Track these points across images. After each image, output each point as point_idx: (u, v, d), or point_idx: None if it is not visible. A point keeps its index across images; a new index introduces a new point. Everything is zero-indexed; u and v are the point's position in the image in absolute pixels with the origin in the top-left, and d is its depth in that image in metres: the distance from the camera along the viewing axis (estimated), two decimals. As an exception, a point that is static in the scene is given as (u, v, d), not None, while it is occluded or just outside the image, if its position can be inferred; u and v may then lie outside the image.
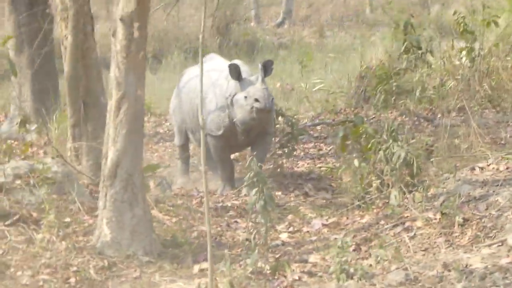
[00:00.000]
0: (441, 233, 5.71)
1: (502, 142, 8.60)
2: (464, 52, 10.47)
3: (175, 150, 9.03)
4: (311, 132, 10.11)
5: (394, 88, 9.08)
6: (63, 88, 8.37)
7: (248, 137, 7.85)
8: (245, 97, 7.56)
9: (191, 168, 8.74)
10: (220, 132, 7.84)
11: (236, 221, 7.07)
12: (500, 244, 5.23)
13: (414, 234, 5.73)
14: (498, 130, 9.01)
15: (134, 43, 5.79)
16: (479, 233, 5.54)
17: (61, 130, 8.64)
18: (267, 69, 7.69)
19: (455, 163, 6.94)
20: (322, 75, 13.56)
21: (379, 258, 5.15)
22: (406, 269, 4.89)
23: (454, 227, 5.72)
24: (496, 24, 10.71)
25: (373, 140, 6.94)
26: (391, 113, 9.60)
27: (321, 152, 9.58)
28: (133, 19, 5.76)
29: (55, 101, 9.79)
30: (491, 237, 5.44)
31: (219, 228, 6.83)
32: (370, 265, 5.18)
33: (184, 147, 8.63)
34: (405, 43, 7.77)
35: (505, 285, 4.52)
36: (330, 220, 6.84)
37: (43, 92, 9.90)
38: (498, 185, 6.23)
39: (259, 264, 5.48)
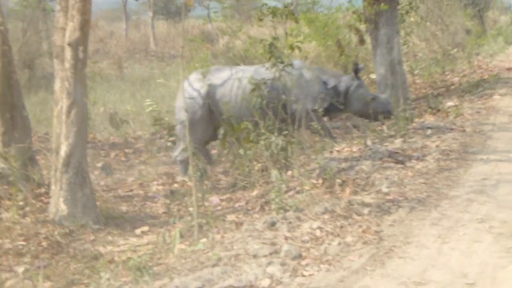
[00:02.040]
0: (326, 192, 8.08)
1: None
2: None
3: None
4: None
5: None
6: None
7: None
8: (373, 98, 10.56)
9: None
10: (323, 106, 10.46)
11: (145, 203, 9.06)
12: (377, 192, 7.74)
13: (305, 195, 7.98)
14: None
15: (80, 62, 7.76)
16: (356, 189, 7.99)
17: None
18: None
19: (320, 147, 9.45)
20: (139, 99, 15.76)
21: (300, 200, 7.44)
22: (323, 204, 7.22)
23: (335, 187, 8.13)
24: (299, 48, 13.37)
25: (253, 133, 9.25)
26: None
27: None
28: (78, 44, 7.72)
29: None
30: (367, 190, 7.93)
31: (136, 208, 8.79)
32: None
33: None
34: (271, 59, 10.19)
35: (396, 208, 7.05)
36: (225, 197, 9.00)
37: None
38: (358, 160, 8.82)
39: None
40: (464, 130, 10.52)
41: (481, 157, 9.01)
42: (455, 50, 21.19)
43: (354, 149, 9.43)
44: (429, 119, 11.56)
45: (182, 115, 10.23)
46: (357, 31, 15.98)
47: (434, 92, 13.16)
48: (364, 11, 14.41)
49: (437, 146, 9.47)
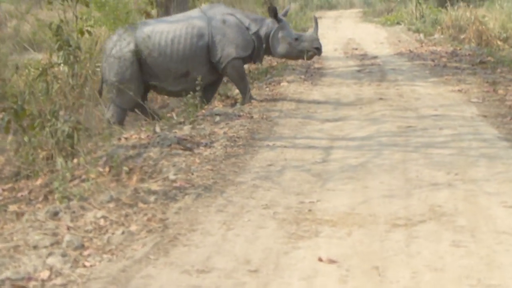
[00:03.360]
0: (112, 180, 7.98)
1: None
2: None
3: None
4: None
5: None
6: None
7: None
8: (296, 38, 11.06)
9: None
10: (247, 53, 11.16)
11: None
12: (164, 179, 7.72)
13: (91, 183, 7.83)
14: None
15: None
16: (143, 177, 7.94)
17: None
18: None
19: (108, 133, 9.30)
20: None
21: (85, 189, 7.29)
22: (109, 193, 7.12)
23: (121, 175, 8.05)
24: (90, 33, 13.16)
25: (38, 120, 8.95)
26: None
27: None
28: None
29: None
30: (154, 177, 7.90)
31: None
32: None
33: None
34: (58, 42, 9.88)
35: (182, 196, 7.06)
36: (7, 186, 8.66)
37: None
38: (146, 147, 8.78)
39: None
40: (251, 117, 10.73)
41: (268, 143, 9.22)
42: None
43: (143, 136, 9.38)
44: (218, 105, 11.70)
45: (111, 76, 10.11)
46: (148, 15, 15.89)
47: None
48: (156, -5, 14.39)
49: (224, 133, 9.60)
